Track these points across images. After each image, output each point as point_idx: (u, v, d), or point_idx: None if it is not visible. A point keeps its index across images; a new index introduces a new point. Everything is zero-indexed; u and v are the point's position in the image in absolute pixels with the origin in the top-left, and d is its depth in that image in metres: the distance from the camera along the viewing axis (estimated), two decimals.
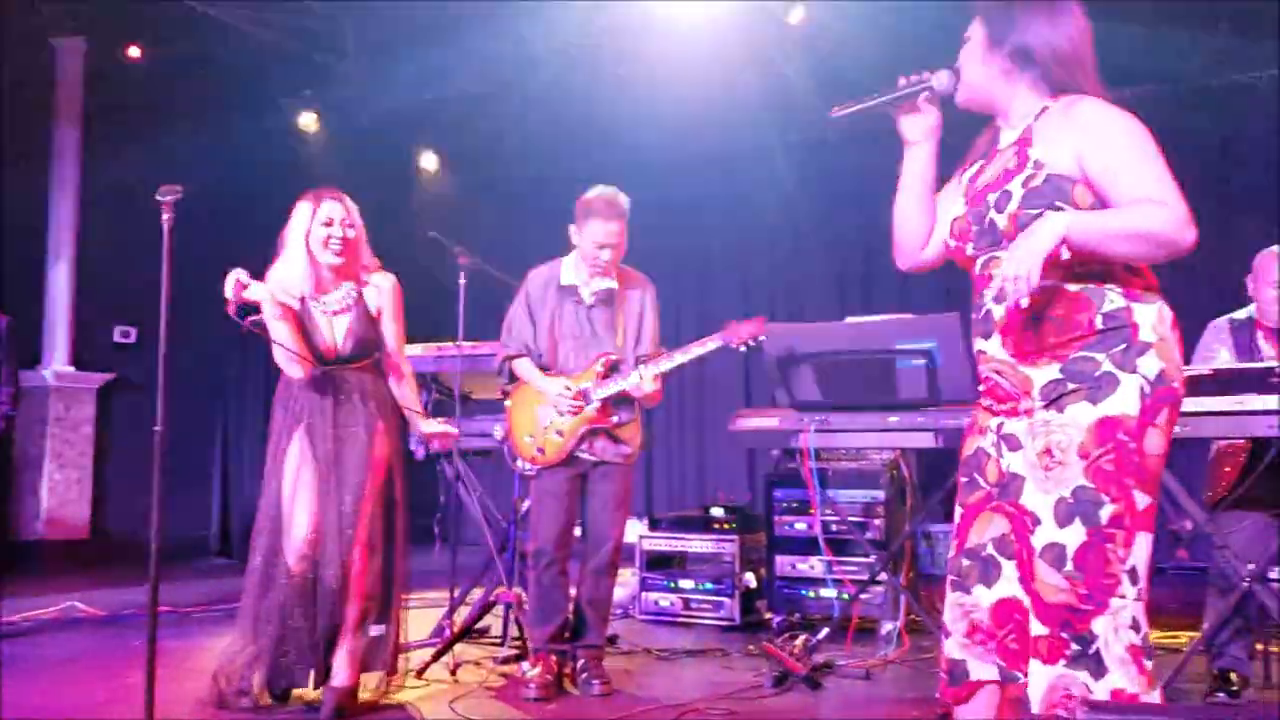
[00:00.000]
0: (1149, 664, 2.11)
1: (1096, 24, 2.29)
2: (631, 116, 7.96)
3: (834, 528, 4.85)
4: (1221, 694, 3.59)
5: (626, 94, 7.63)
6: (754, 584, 5.23)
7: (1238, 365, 3.69)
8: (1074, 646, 2.11)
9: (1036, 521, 2.14)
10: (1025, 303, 2.06)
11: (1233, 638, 3.64)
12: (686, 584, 5.26)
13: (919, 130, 2.35)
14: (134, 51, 7.06)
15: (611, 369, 3.87)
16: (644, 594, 5.37)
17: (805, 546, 5.01)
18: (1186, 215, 2.05)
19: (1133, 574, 2.10)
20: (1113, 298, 2.14)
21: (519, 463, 3.99)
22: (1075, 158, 2.13)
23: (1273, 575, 3.79)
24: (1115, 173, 2.10)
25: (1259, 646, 3.81)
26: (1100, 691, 2.08)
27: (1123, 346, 2.11)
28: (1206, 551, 3.74)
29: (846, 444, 4.42)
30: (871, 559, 4.63)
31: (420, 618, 5.11)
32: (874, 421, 4.02)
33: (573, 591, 3.98)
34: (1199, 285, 5.68)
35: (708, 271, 8.75)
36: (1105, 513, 2.08)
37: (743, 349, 3.77)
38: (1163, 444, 2.12)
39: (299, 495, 3.48)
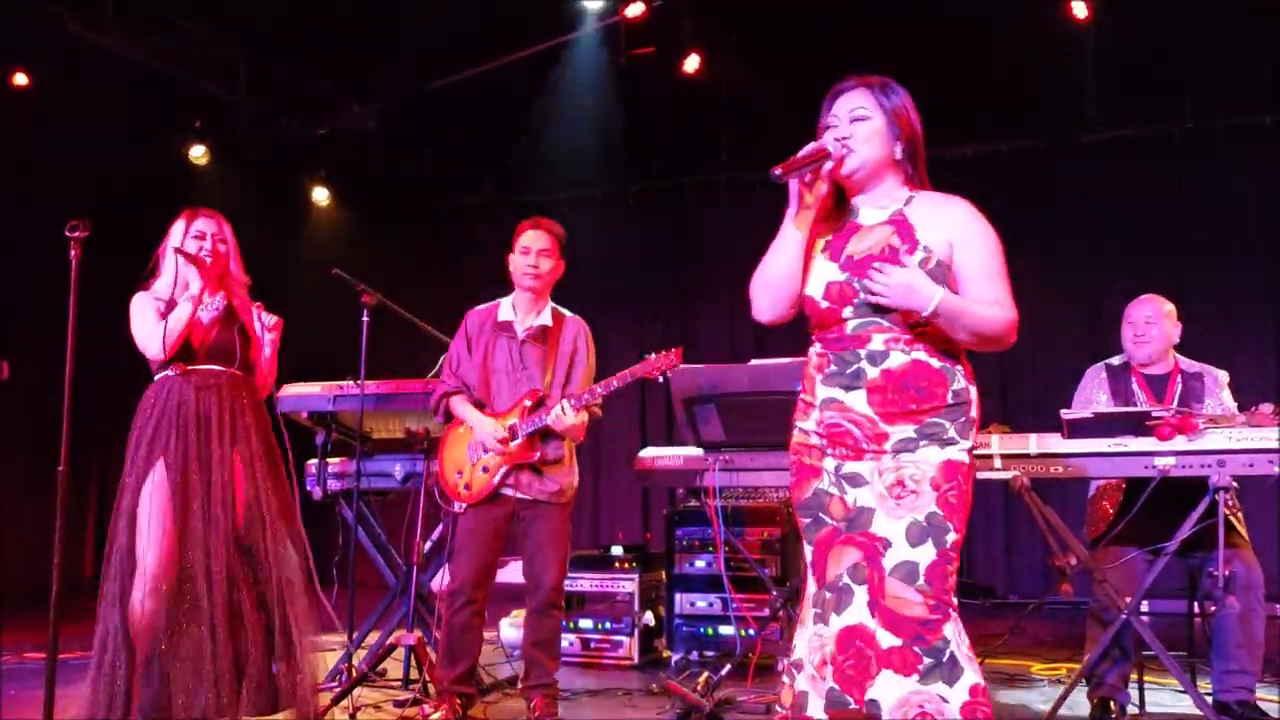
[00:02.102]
0: None
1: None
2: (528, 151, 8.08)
3: (733, 565, 4.93)
4: None
5: (529, 127, 7.72)
6: (653, 622, 5.27)
7: (1117, 409, 3.91)
8: (926, 660, 2.34)
9: (887, 545, 2.39)
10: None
11: (1111, 667, 3.82)
12: (586, 624, 5.26)
13: (814, 197, 2.54)
14: (20, 79, 6.83)
15: (538, 404, 3.91)
16: None
17: (705, 584, 5.08)
18: (1016, 321, 2.45)
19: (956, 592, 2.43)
20: (960, 378, 2.46)
21: (444, 499, 4.01)
22: (949, 247, 2.45)
23: (1145, 608, 4.01)
24: (975, 273, 2.46)
25: (1133, 677, 4.01)
26: (959, 693, 2.32)
27: (963, 419, 2.44)
28: (1087, 586, 3.93)
29: (749, 482, 4.52)
30: (771, 595, 4.71)
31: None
32: (776, 460, 4.13)
33: (513, 632, 3.97)
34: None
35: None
36: (949, 538, 2.39)
37: (661, 379, 3.87)
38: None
39: (152, 530, 3.35)
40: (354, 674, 4.30)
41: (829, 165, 2.48)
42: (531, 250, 3.97)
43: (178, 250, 3.57)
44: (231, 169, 8.10)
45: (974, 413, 2.48)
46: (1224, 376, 4.08)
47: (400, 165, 8.61)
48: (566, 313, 4.10)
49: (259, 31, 6.93)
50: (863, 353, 2.47)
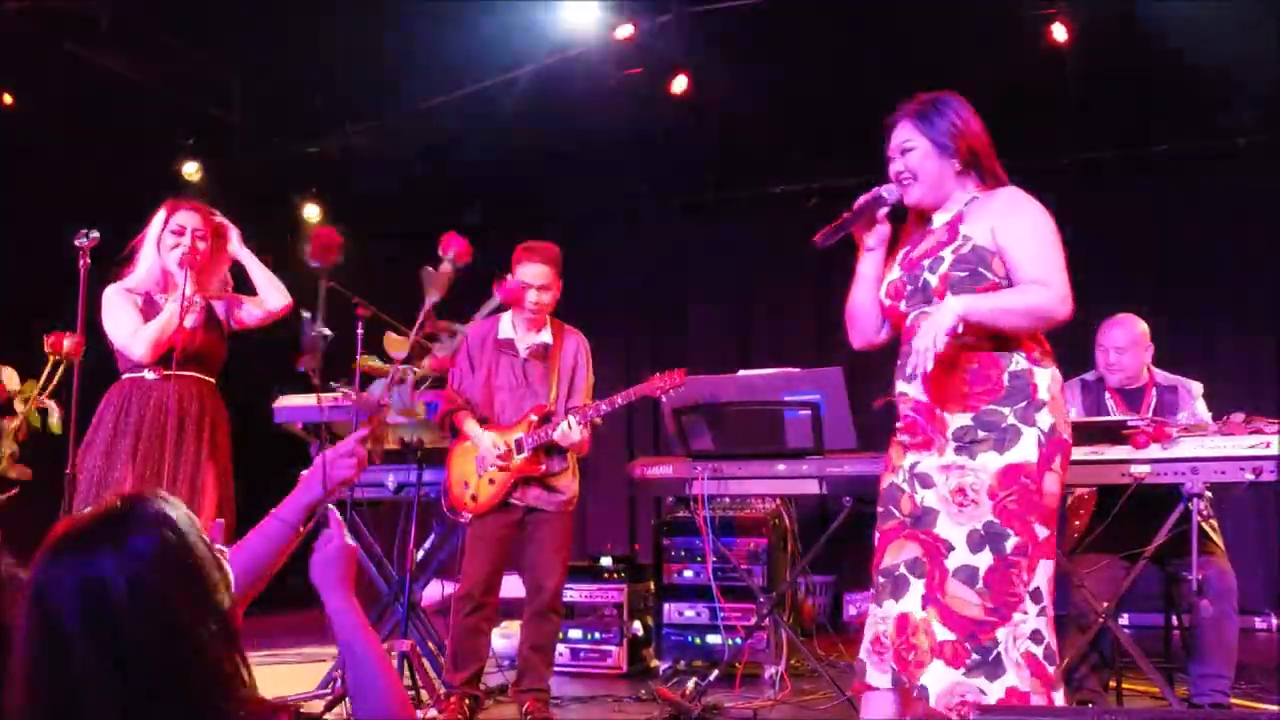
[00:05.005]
0: (1052, 669, 2.49)
1: None
2: (518, 170, 8.17)
3: (720, 574, 4.99)
4: None
5: (519, 146, 7.80)
6: (641, 632, 5.33)
7: (1093, 419, 4.01)
8: (974, 656, 2.48)
9: (950, 547, 2.52)
10: (929, 367, 2.45)
11: (1090, 672, 3.89)
12: (575, 633, 5.31)
13: (875, 239, 2.77)
14: (7, 98, 6.90)
15: (544, 419, 3.99)
16: None
17: (693, 594, 5.15)
18: (1064, 293, 2.49)
19: (1035, 594, 2.50)
20: (1018, 360, 2.55)
21: (452, 511, 4.09)
22: (991, 233, 2.55)
23: (1124, 621, 4.10)
24: (1018, 253, 2.57)
25: (1111, 684, 4.09)
26: (996, 690, 2.45)
27: (1024, 403, 2.51)
28: (1066, 595, 4.01)
29: (738, 491, 4.60)
30: (760, 603, 4.77)
31: (310, 670, 5.07)
32: (763, 469, 4.22)
33: (503, 642, 4.03)
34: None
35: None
36: (1010, 544, 2.48)
37: (663, 398, 3.97)
38: (1058, 485, 2.54)
39: None
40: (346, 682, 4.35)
41: (884, 210, 2.71)
42: (532, 287, 3.97)
43: (182, 264, 3.44)
44: (224, 186, 8.15)
45: (1044, 394, 2.53)
46: (1198, 388, 4.19)
47: (392, 183, 8.68)
48: (566, 327, 4.19)
49: (252, 50, 7.00)
50: (916, 342, 2.59)
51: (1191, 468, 3.58)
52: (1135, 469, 3.63)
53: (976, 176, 2.67)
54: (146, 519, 1.36)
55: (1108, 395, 4.25)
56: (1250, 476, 3.50)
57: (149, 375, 3.45)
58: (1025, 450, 2.50)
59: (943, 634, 2.51)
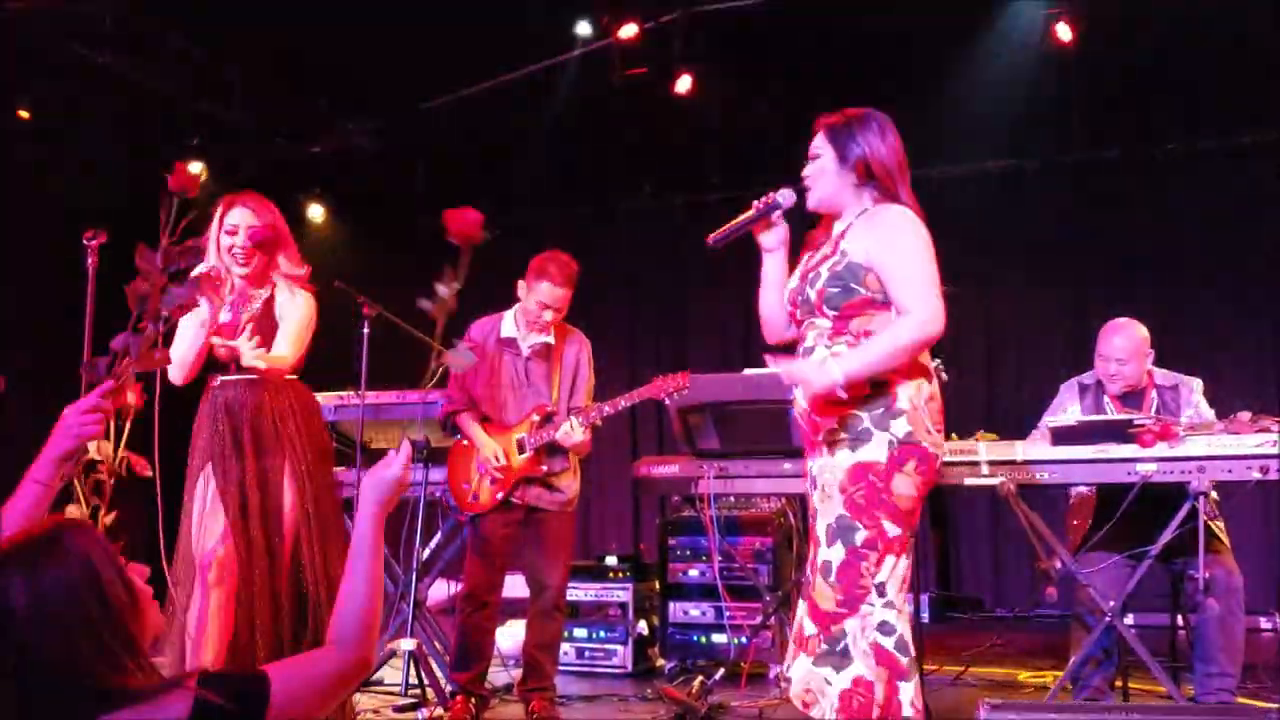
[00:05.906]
0: (904, 660, 2.59)
1: None
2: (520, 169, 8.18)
3: (725, 573, 4.99)
4: None
5: (521, 146, 7.81)
6: (647, 632, 5.33)
7: (1099, 418, 4.00)
8: (823, 645, 2.62)
9: (819, 544, 2.66)
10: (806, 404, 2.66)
11: (1095, 671, 3.89)
12: (580, 633, 5.32)
13: (774, 240, 2.91)
14: (23, 114, 6.92)
15: (545, 419, 3.99)
16: None
17: (698, 593, 5.15)
18: (930, 314, 2.60)
19: (881, 588, 2.59)
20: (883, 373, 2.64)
21: (454, 509, 4.14)
22: (867, 252, 2.65)
23: (1130, 620, 4.10)
24: (888, 276, 2.66)
25: (1118, 683, 4.09)
26: (842, 680, 2.57)
27: (881, 410, 2.62)
28: (1072, 596, 4.01)
29: (743, 490, 4.60)
30: (766, 601, 4.78)
31: None
32: (769, 468, 4.23)
33: (508, 641, 4.05)
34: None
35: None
36: (858, 536, 2.61)
37: (667, 400, 3.98)
38: (912, 488, 2.63)
39: (209, 526, 3.27)
40: None
41: (779, 212, 2.85)
42: (551, 308, 3.99)
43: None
44: (228, 185, 8.14)
45: (903, 404, 2.62)
46: (1198, 385, 4.15)
47: (394, 183, 8.69)
48: (568, 328, 4.19)
49: (255, 50, 7.01)
50: (801, 349, 2.76)
51: (1198, 466, 3.58)
52: (1141, 468, 3.64)
53: (875, 191, 2.76)
54: (64, 551, 1.55)
55: (1107, 399, 4.20)
56: (1258, 475, 3.51)
57: (214, 383, 3.36)
58: (875, 451, 2.61)
59: (809, 628, 2.66)
